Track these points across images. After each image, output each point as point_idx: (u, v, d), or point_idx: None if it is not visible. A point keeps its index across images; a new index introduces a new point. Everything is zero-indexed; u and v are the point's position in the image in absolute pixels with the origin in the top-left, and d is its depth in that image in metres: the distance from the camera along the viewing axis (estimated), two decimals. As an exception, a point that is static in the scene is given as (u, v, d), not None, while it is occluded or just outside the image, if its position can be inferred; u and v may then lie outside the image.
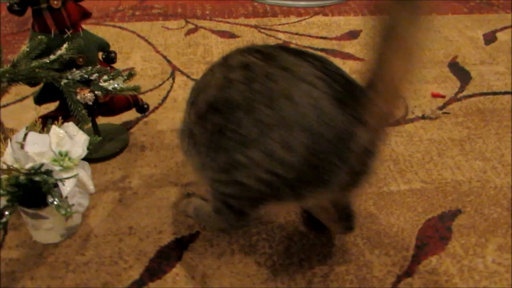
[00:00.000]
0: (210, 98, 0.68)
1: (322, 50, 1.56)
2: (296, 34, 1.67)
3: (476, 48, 1.60)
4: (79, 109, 0.82)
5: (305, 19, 1.80)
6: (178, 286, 0.78)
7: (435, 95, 1.32)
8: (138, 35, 1.61)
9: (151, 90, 1.30)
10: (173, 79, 1.36)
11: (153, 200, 0.94)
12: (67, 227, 0.85)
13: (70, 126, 0.80)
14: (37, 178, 0.71)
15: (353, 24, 1.77)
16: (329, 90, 0.61)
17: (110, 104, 1.00)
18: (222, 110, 0.65)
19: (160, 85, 1.33)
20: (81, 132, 0.81)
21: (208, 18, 1.77)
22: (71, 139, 0.79)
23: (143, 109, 1.11)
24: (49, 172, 0.73)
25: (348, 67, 1.47)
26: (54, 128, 0.78)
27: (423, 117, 1.23)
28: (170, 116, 1.19)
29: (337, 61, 1.50)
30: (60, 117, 0.80)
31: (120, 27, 1.65)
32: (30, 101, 1.23)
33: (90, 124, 0.97)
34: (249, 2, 1.93)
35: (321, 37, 1.66)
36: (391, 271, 0.81)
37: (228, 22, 1.74)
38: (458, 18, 1.84)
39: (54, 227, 0.82)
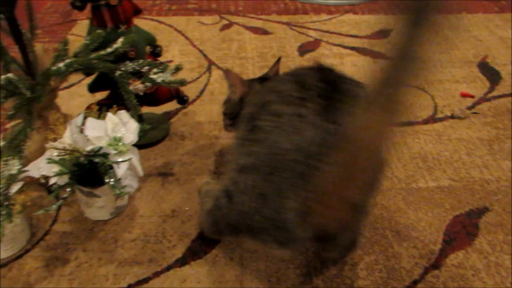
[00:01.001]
0: (251, 109, 0.72)
1: (352, 48, 1.60)
2: (327, 32, 1.71)
3: (506, 48, 1.61)
4: (131, 98, 0.89)
5: (335, 17, 1.83)
6: (218, 265, 0.84)
7: (464, 95, 1.34)
8: (175, 29, 1.67)
9: (189, 82, 1.36)
10: (210, 73, 1.42)
11: (193, 187, 1.00)
12: (116, 206, 0.92)
13: (123, 113, 0.87)
14: (96, 160, 0.78)
15: (383, 23, 1.79)
16: None
17: (155, 94, 1.06)
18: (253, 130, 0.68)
19: (197, 78, 1.39)
20: (132, 119, 0.87)
21: (242, 14, 1.82)
22: (124, 126, 0.86)
23: (183, 100, 1.17)
24: (106, 155, 0.80)
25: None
26: (110, 115, 0.85)
27: (452, 117, 1.25)
28: (207, 108, 1.25)
29: (367, 60, 1.53)
30: (115, 105, 0.87)
31: (158, 21, 1.72)
32: (76, 89, 1.31)
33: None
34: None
35: (352, 36, 1.69)
36: (419, 263, 0.85)
37: (260, 19, 1.78)
38: (488, 17, 1.84)
39: (105, 205, 0.89)
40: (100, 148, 0.79)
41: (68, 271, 0.83)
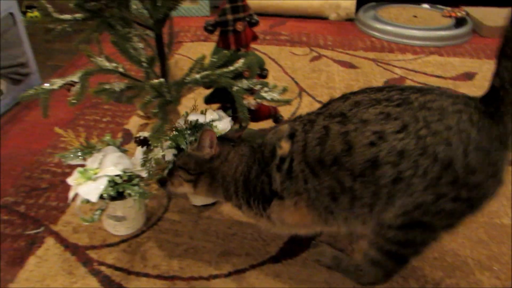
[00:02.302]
0: (371, 156, 0.72)
1: (437, 88, 1.65)
2: (412, 70, 1.78)
3: None
4: (244, 111, 1.02)
5: (420, 57, 1.90)
6: (308, 267, 0.93)
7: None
8: (269, 57, 1.83)
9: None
10: (300, 98, 1.54)
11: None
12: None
13: (220, 112, 1.03)
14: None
15: (468, 66, 1.83)
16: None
17: (258, 112, 1.19)
18: (392, 162, 0.71)
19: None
20: (227, 116, 1.02)
21: (330, 48, 1.95)
22: (219, 120, 1.00)
23: (278, 120, 1.29)
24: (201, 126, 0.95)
25: (462, 106, 1.54)
26: (210, 111, 1.00)
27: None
28: (298, 129, 1.36)
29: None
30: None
31: (254, 48, 1.89)
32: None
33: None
34: (367, 37, 2.08)
35: (436, 76, 1.75)
36: (500, 292, 0.89)
37: (348, 54, 1.90)
38: None
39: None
40: (197, 120, 0.94)
41: (177, 253, 0.96)
